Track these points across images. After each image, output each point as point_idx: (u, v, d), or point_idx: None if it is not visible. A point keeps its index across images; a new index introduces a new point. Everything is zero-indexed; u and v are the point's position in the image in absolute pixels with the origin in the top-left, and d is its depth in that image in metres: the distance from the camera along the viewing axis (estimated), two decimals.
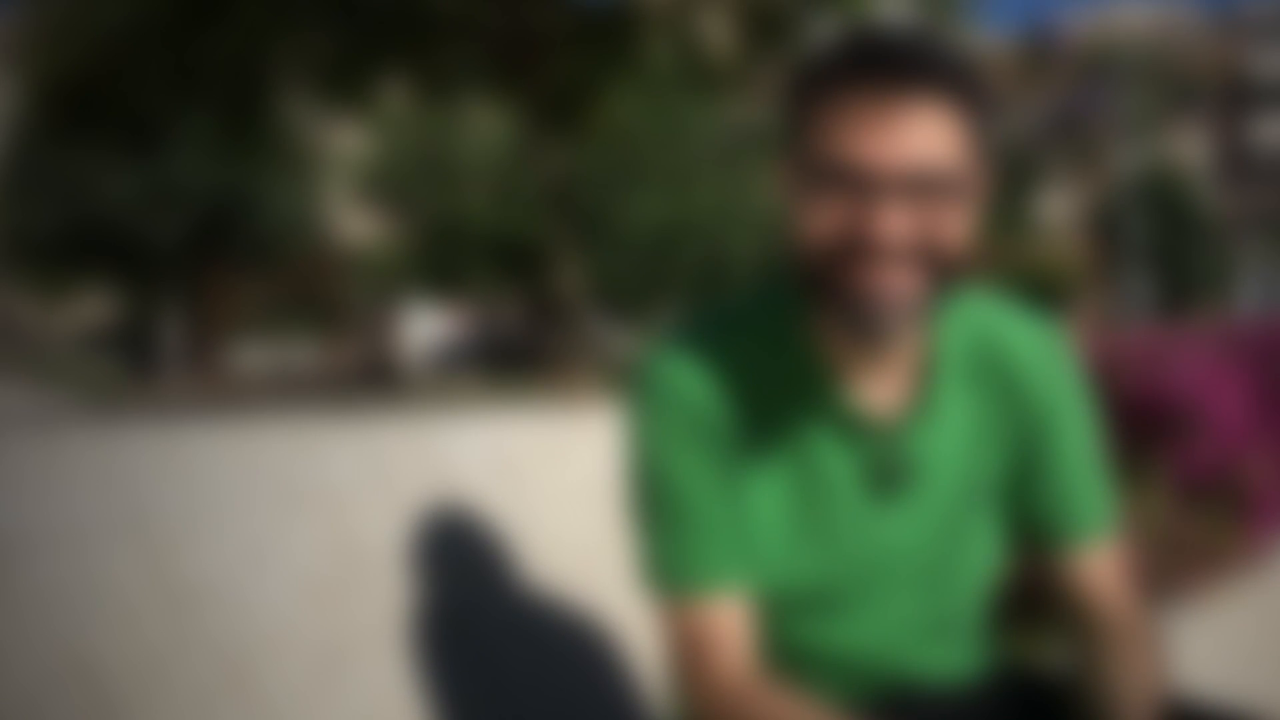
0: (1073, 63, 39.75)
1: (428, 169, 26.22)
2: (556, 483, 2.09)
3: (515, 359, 25.15)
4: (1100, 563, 1.40)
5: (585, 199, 18.83)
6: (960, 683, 1.40)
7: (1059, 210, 37.01)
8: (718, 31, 14.60)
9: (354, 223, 29.56)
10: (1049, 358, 1.40)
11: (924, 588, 1.35)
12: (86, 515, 1.63)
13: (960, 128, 1.24)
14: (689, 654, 1.29)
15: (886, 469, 1.32)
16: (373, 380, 23.60)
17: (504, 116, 18.24)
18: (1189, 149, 40.71)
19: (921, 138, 1.21)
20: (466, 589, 1.95)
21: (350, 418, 2.27)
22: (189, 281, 26.87)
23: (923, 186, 1.21)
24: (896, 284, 1.22)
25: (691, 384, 1.31)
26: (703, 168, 25.55)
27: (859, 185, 1.21)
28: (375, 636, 1.81)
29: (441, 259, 26.80)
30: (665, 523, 1.31)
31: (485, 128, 23.70)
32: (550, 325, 16.52)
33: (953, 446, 1.34)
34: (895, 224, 1.21)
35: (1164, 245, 29.38)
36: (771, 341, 1.34)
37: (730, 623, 1.29)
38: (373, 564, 1.84)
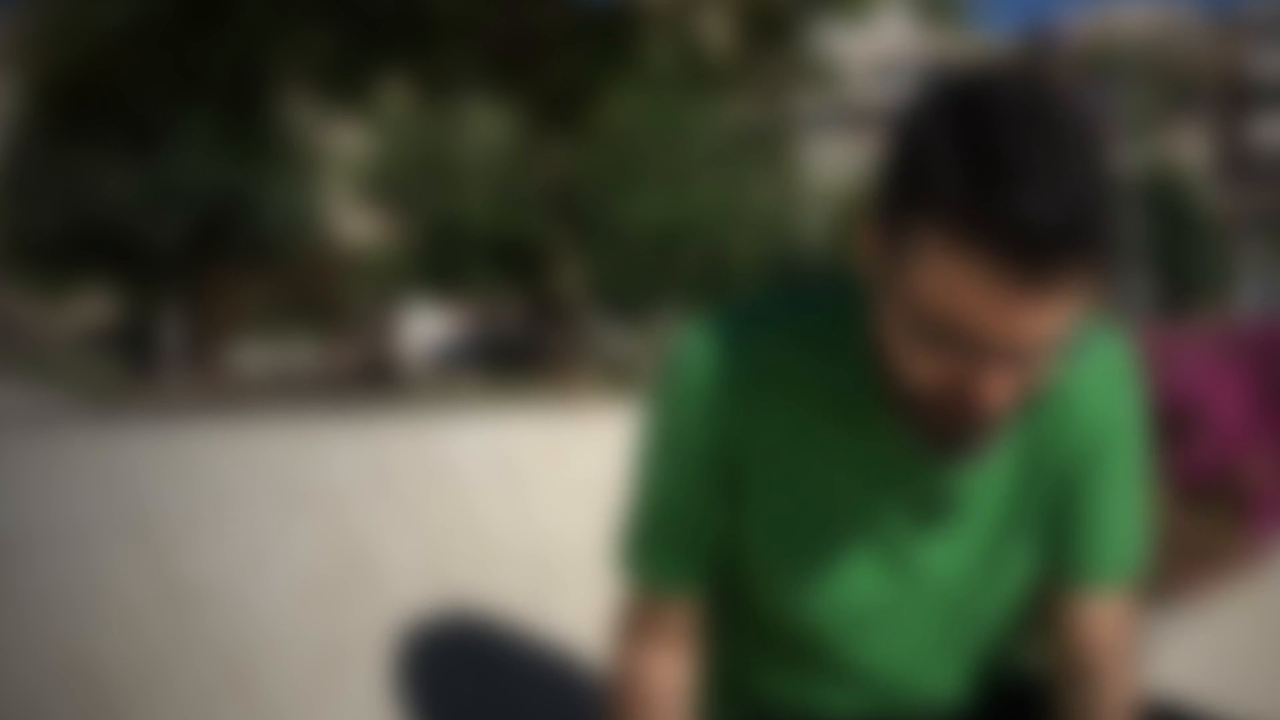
0: (1073, 63, 39.74)
1: (428, 169, 26.22)
2: (556, 483, 2.09)
3: (515, 359, 25.15)
4: (1102, 613, 1.34)
5: (585, 199, 18.84)
6: (966, 701, 1.38)
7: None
8: (718, 31, 14.59)
9: (354, 223, 29.55)
10: (1107, 391, 1.29)
11: (952, 615, 1.31)
12: (86, 515, 1.63)
13: (1093, 280, 1.08)
14: (624, 627, 1.33)
15: (930, 500, 1.25)
16: (373, 380, 23.60)
17: (504, 116, 18.25)
18: (1189, 149, 40.71)
19: (1054, 314, 1.05)
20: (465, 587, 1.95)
21: (350, 418, 2.27)
22: (189, 281, 26.87)
23: (1043, 352, 1.08)
24: (994, 415, 1.11)
25: (720, 384, 1.22)
26: (703, 168, 25.55)
27: (972, 353, 1.07)
28: (375, 636, 1.81)
29: (441, 259, 26.80)
30: (640, 507, 1.30)
31: (485, 128, 23.70)
32: (550, 325, 16.52)
33: (997, 478, 1.27)
34: (1002, 388, 1.08)
35: (1164, 245, 29.39)
36: (825, 353, 1.23)
37: (669, 621, 1.30)
38: (373, 564, 1.84)
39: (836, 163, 33.68)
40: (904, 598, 1.28)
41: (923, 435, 1.15)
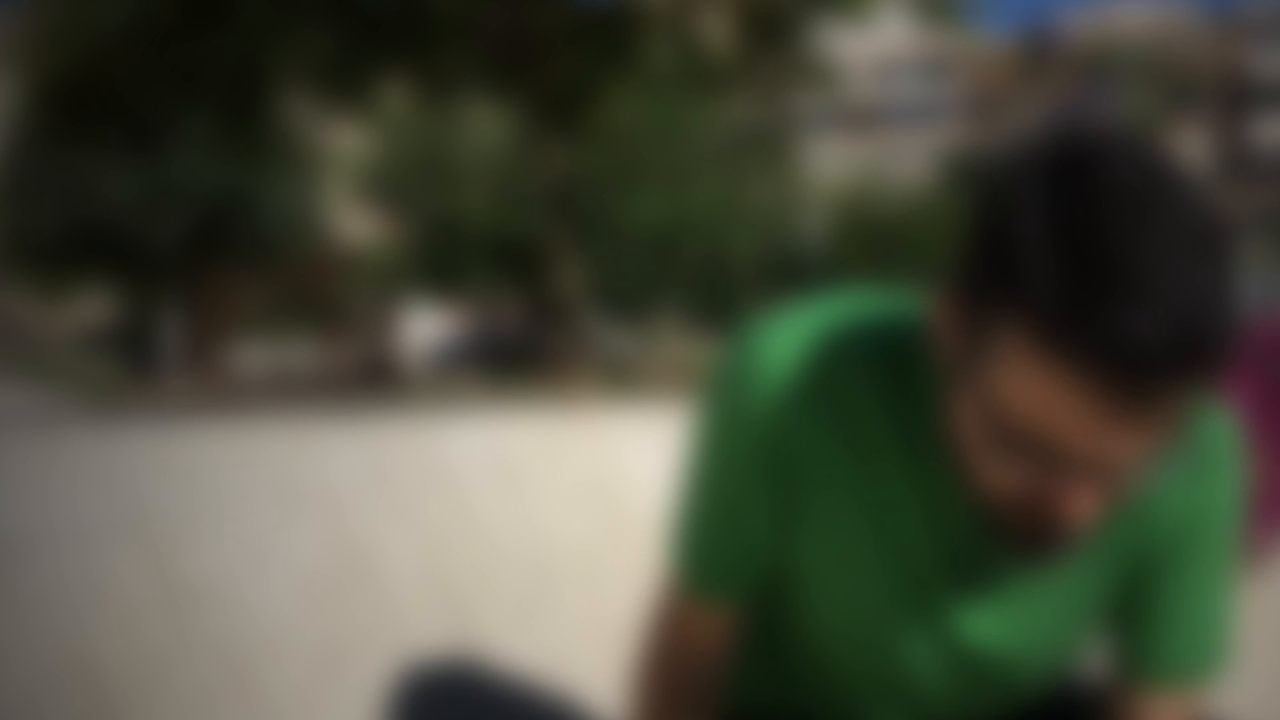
0: (1073, 63, 39.76)
1: (428, 169, 26.22)
2: (555, 483, 2.09)
3: (515, 359, 25.16)
4: (1165, 711, 1.21)
5: (585, 199, 18.85)
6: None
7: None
8: (718, 31, 14.60)
9: (354, 223, 29.56)
10: (1201, 482, 1.16)
11: (986, 676, 1.22)
12: (86, 515, 1.63)
13: (1206, 387, 0.93)
14: (659, 624, 1.26)
15: (983, 561, 1.14)
16: (373, 380, 23.61)
17: (504, 116, 18.26)
18: (1189, 149, 40.73)
19: (1156, 431, 0.92)
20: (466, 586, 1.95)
21: (350, 418, 2.27)
22: (189, 281, 26.87)
23: (1140, 466, 0.95)
24: (1077, 529, 0.99)
25: (787, 404, 1.11)
26: (703, 168, 25.56)
27: (1056, 468, 0.94)
28: (375, 636, 1.81)
29: (441, 259, 26.81)
30: (691, 510, 1.21)
31: (485, 128, 23.71)
32: (550, 325, 16.52)
33: (1065, 561, 1.11)
34: (1089, 503, 0.96)
35: None
36: (900, 396, 1.11)
37: (706, 628, 1.24)
38: (372, 564, 1.84)
39: (836, 163, 33.70)
40: (939, 651, 1.20)
41: (996, 528, 1.03)
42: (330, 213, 28.68)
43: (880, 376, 1.11)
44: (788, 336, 1.13)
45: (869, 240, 27.92)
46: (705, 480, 1.19)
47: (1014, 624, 1.18)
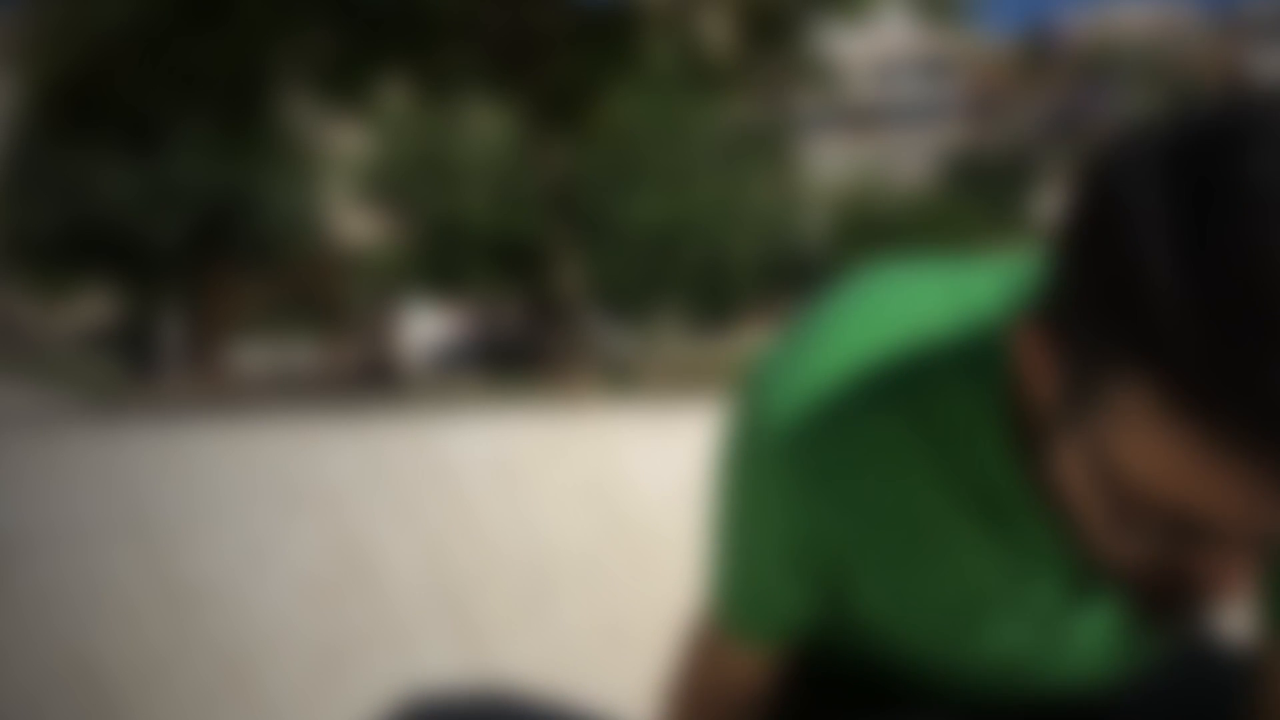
0: (1073, 63, 39.76)
1: (428, 169, 26.23)
2: (554, 483, 2.09)
3: (515, 359, 25.16)
4: None
5: (585, 199, 18.85)
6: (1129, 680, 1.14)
7: (1059, 210, 36.96)
8: (718, 31, 14.61)
9: (354, 223, 29.56)
10: None
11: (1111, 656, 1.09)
12: (86, 515, 1.63)
13: None
14: (693, 652, 1.14)
15: (1089, 582, 0.96)
16: (373, 380, 23.60)
17: (504, 116, 18.26)
18: None
19: None
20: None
21: (350, 418, 2.27)
22: (189, 281, 26.88)
23: None
24: (1225, 596, 0.79)
25: (808, 477, 0.91)
26: (703, 168, 25.57)
27: (1199, 539, 0.74)
28: (375, 636, 1.81)
29: (441, 259, 26.81)
30: (717, 560, 1.05)
31: (485, 128, 23.71)
32: (550, 325, 16.53)
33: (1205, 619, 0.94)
34: (1239, 569, 0.77)
35: None
36: (953, 440, 0.90)
37: (742, 666, 1.11)
38: (372, 564, 1.84)
39: (836, 163, 33.71)
40: (1050, 652, 1.05)
41: (1122, 594, 0.84)
42: (330, 213, 28.69)
43: (926, 426, 0.89)
44: (803, 387, 0.90)
45: (869, 240, 27.91)
46: (727, 544, 1.01)
47: (1118, 618, 1.03)
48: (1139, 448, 0.70)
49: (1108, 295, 0.68)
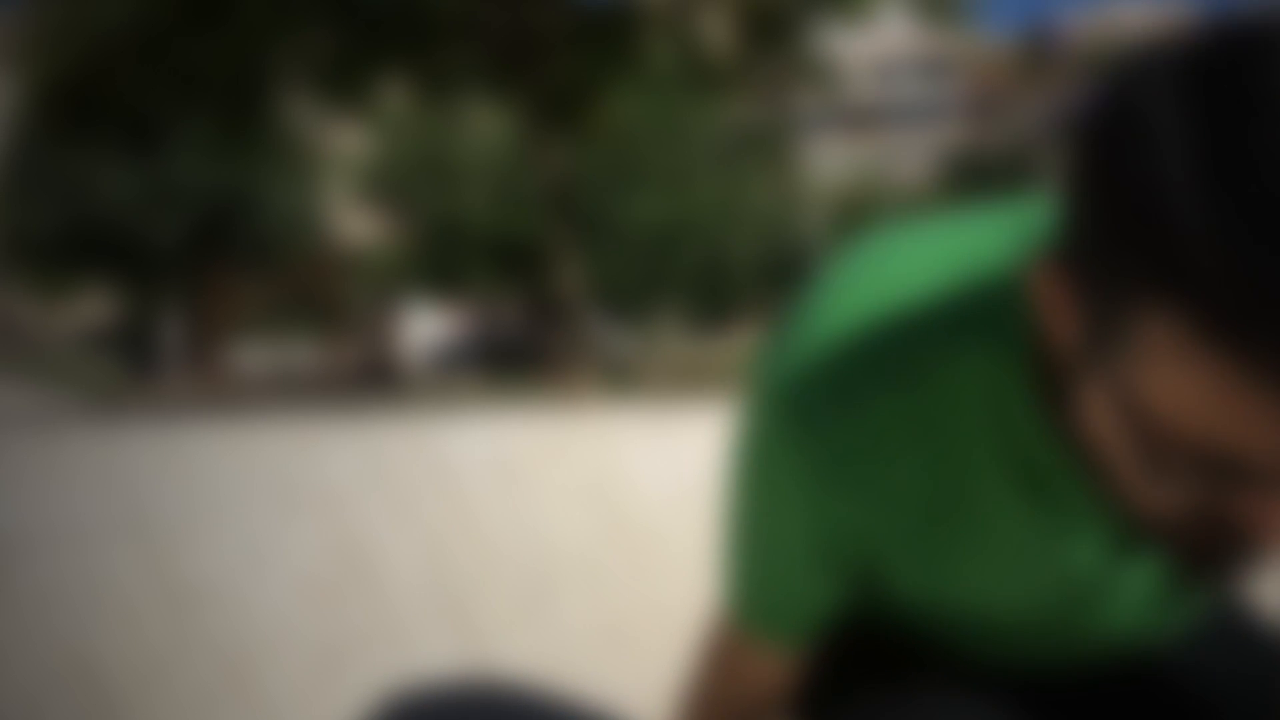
0: (1073, 63, 39.76)
1: (428, 169, 26.23)
2: (554, 483, 2.09)
3: (515, 359, 25.16)
4: None
5: (585, 199, 18.85)
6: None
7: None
8: (718, 31, 14.62)
9: (354, 223, 29.56)
10: None
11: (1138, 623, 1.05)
12: (86, 515, 1.63)
13: None
14: (709, 653, 1.11)
15: (1128, 535, 0.93)
16: (373, 380, 23.61)
17: (504, 116, 18.27)
18: None
19: None
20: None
21: (350, 418, 2.27)
22: (189, 281, 26.89)
23: None
24: (1272, 543, 0.75)
25: (820, 471, 0.87)
26: (703, 168, 25.58)
27: (1242, 480, 0.70)
28: (375, 636, 1.81)
29: (441, 259, 26.81)
30: (732, 558, 1.03)
31: (485, 128, 23.72)
32: (550, 325, 16.54)
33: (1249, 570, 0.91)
34: (1278, 514, 0.72)
35: None
36: (974, 412, 0.86)
37: (761, 667, 1.08)
38: (372, 564, 1.84)
39: (836, 163, 33.72)
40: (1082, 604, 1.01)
41: (1158, 546, 0.82)
42: (330, 213, 28.69)
43: (941, 403, 0.85)
44: (810, 378, 0.86)
45: None
46: (743, 542, 0.98)
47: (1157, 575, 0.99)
48: (1169, 384, 0.66)
49: (1128, 224, 0.64)
